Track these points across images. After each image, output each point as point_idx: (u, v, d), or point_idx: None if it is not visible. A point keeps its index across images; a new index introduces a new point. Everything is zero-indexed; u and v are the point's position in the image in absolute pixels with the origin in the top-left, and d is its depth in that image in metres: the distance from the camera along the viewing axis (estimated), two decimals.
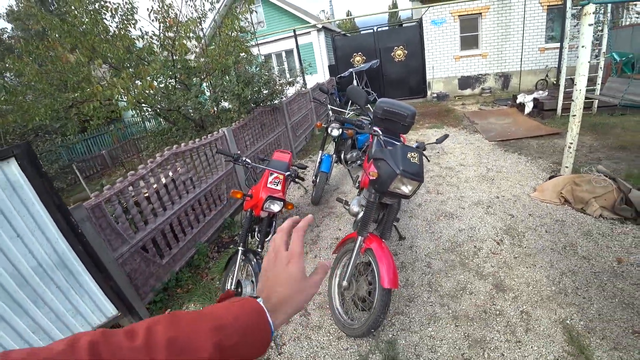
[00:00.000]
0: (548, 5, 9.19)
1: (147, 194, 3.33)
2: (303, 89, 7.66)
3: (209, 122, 6.13)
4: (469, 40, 9.95)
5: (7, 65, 4.73)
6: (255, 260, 2.73)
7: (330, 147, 5.54)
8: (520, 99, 7.68)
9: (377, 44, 10.64)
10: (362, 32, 10.95)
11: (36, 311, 2.25)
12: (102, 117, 6.02)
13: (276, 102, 5.98)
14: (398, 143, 3.66)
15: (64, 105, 5.17)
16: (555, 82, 8.91)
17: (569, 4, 6.48)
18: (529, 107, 7.41)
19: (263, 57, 5.95)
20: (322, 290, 3.14)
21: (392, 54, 10.59)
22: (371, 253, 2.51)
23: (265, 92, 5.24)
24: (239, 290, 2.76)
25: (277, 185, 2.83)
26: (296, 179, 3.24)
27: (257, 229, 3.27)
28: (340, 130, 4.62)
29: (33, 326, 2.28)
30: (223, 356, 0.47)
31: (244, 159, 2.93)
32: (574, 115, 4.24)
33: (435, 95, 10.17)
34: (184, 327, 0.47)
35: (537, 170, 4.98)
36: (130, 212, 3.07)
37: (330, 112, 5.06)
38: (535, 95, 7.47)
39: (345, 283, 2.58)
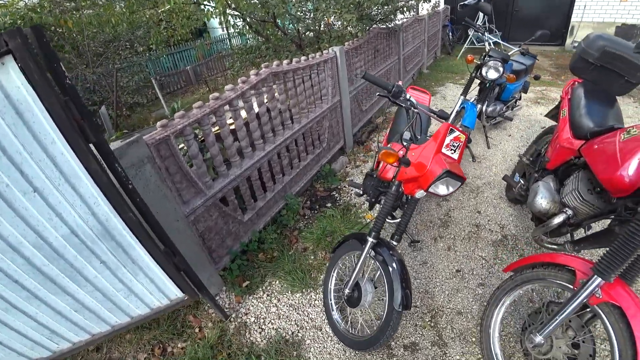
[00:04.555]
0: None
1: (233, 126, 2.22)
2: (428, 10, 5.67)
3: (307, 40, 4.69)
4: None
5: None
6: (394, 264, 1.57)
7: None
8: None
9: None
10: None
11: (77, 289, 1.38)
12: (189, 26, 4.94)
13: (396, 23, 4.27)
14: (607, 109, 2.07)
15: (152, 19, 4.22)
16: None
17: None
18: None
19: None
20: (464, 310, 1.95)
21: None
22: (616, 315, 1.23)
23: (388, 7, 3.57)
24: (356, 295, 1.69)
25: (456, 151, 1.49)
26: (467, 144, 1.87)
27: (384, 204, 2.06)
28: (501, 71, 2.94)
29: (75, 305, 1.43)
30: None
31: (408, 96, 1.59)
32: None
33: (575, 44, 7.26)
34: None
35: None
36: (209, 151, 2.01)
37: (487, 46, 3.33)
38: None
39: (539, 339, 1.40)
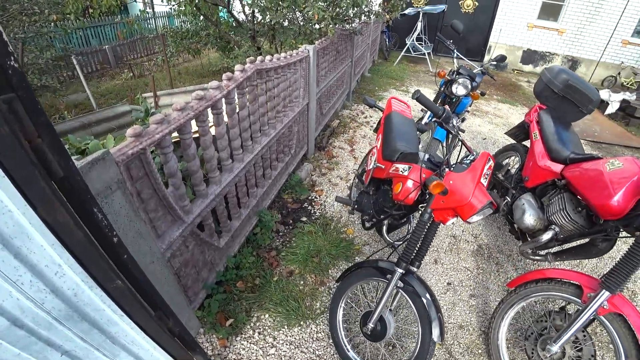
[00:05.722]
0: None
1: (214, 133, 1.77)
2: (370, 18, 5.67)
3: (261, 32, 4.24)
4: (551, 9, 7.73)
5: None
6: (427, 294, 1.44)
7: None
8: (603, 95, 6.11)
9: None
10: None
11: None
12: None
13: (353, 25, 4.13)
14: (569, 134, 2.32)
15: None
16: (625, 84, 7.27)
17: None
18: (612, 108, 5.89)
19: None
20: (464, 323, 1.92)
21: (461, 2, 8.22)
22: (619, 322, 1.40)
23: (363, 7, 3.40)
24: (379, 328, 1.51)
25: (487, 179, 1.40)
26: None
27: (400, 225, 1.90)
28: (470, 88, 3.03)
29: None
30: None
31: (455, 122, 1.44)
32: None
33: (494, 62, 8.29)
34: None
35: None
36: (189, 166, 1.54)
37: (455, 61, 3.40)
38: (624, 96, 5.92)
39: (555, 349, 1.50)
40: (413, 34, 7.67)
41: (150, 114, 1.42)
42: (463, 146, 1.70)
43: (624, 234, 1.64)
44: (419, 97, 1.43)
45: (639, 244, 1.33)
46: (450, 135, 1.52)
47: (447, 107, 1.54)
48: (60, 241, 0.69)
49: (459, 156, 1.72)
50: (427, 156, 1.60)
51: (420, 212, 1.51)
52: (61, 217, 0.66)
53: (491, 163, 1.41)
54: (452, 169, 1.42)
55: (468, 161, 1.49)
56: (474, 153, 1.57)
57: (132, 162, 1.16)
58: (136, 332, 0.98)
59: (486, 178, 1.40)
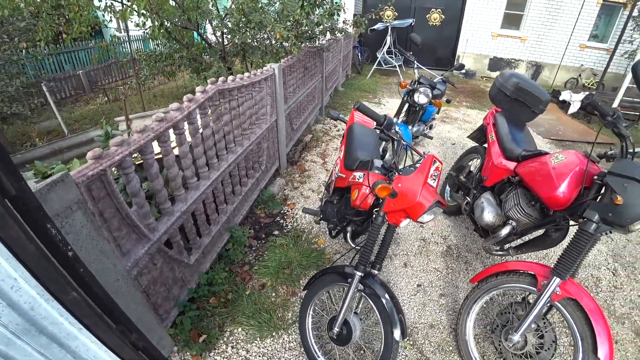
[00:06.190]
0: (603, 1, 7.75)
1: (177, 152, 1.86)
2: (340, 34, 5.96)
3: (233, 53, 4.40)
4: (512, 19, 8.38)
5: None
6: (386, 295, 1.54)
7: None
8: (564, 96, 6.56)
9: (413, 1, 8.81)
10: None
11: None
12: (87, 24, 4.12)
13: (321, 42, 4.36)
14: (523, 134, 2.51)
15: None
16: (586, 85, 7.84)
17: None
18: (574, 107, 6.33)
19: None
20: (435, 322, 2.01)
21: (428, 16, 8.80)
22: (572, 306, 1.49)
23: (325, 25, 3.62)
24: (344, 332, 1.59)
25: (435, 180, 1.53)
26: None
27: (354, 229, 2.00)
28: (430, 96, 3.25)
29: None
30: None
31: (398, 128, 1.58)
32: None
33: (463, 72, 8.81)
34: None
35: None
36: (153, 185, 1.62)
37: (416, 72, 3.63)
38: (584, 96, 6.38)
39: (517, 338, 1.59)
40: (383, 48, 8.05)
41: (110, 136, 1.50)
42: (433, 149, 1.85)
43: (572, 222, 1.79)
44: (359, 107, 1.56)
45: (581, 230, 1.46)
46: (397, 144, 1.65)
47: (388, 114, 1.67)
48: (14, 255, 0.76)
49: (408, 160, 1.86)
50: (380, 163, 1.74)
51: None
52: (14, 232, 0.74)
53: (437, 164, 1.55)
54: (401, 172, 1.55)
55: (418, 165, 1.63)
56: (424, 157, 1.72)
57: (93, 183, 1.24)
58: (98, 347, 1.04)
59: (434, 179, 1.53)
